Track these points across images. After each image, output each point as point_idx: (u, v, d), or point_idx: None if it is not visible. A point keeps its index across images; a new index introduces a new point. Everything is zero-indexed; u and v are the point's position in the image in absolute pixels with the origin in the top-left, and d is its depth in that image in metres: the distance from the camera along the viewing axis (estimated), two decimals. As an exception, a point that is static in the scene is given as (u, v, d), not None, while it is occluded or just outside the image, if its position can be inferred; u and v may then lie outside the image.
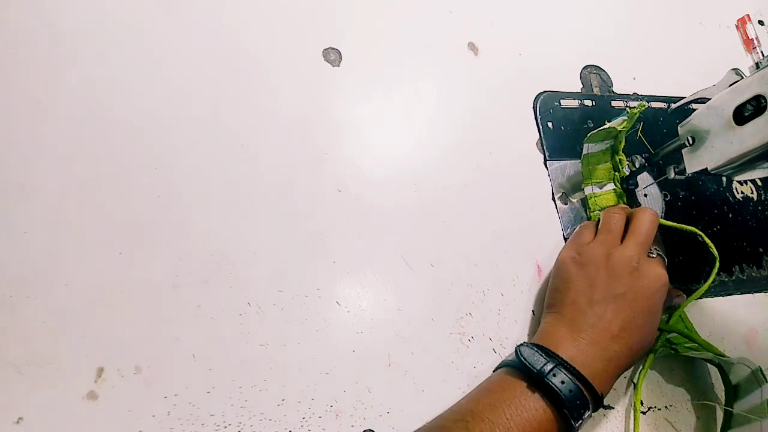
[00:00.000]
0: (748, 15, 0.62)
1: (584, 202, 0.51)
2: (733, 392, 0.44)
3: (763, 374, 0.42)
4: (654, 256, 0.43)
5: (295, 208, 0.43)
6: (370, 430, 0.37)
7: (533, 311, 0.45)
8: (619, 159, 0.51)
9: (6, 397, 0.33)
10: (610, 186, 0.52)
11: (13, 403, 0.33)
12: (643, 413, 0.44)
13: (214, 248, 0.40)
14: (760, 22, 0.69)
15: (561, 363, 0.35)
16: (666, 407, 0.45)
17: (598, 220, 0.46)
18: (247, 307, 0.39)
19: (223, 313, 0.38)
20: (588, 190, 0.52)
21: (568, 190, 0.52)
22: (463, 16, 0.55)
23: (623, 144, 0.50)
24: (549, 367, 0.35)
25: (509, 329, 0.44)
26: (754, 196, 0.59)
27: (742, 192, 0.59)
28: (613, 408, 0.44)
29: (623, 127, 0.48)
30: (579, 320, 0.39)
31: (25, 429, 0.32)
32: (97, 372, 0.34)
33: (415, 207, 0.46)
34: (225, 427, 0.35)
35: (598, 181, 0.52)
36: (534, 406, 0.34)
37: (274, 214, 0.42)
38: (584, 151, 0.50)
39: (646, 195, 0.52)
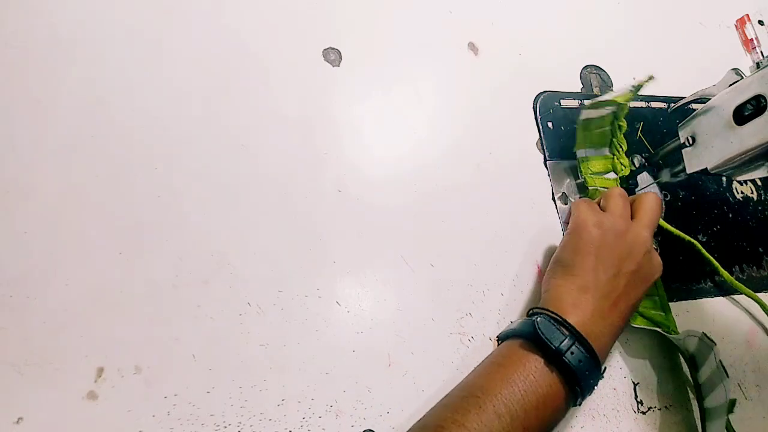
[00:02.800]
0: (747, 15, 0.62)
1: (575, 168, 0.51)
2: (693, 363, 0.45)
3: (709, 337, 0.43)
4: (655, 246, 0.43)
5: (295, 208, 0.43)
6: (370, 430, 0.37)
7: (533, 311, 0.45)
8: (619, 125, 0.50)
9: (6, 397, 0.33)
10: (605, 151, 0.51)
11: (13, 403, 0.33)
12: (643, 413, 0.44)
13: (214, 248, 0.40)
14: (760, 22, 0.69)
15: (578, 338, 0.35)
16: (666, 407, 0.45)
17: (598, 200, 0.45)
18: (247, 307, 0.39)
19: (223, 313, 0.38)
20: (581, 153, 0.51)
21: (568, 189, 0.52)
22: (463, 16, 0.55)
23: (626, 111, 0.49)
24: (567, 344, 0.35)
25: (509, 329, 0.44)
26: (754, 196, 0.59)
27: (742, 192, 0.59)
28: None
29: (626, 100, 0.47)
30: (592, 288, 0.38)
31: (25, 429, 0.32)
32: (97, 372, 0.34)
33: (415, 207, 0.46)
34: (225, 427, 0.35)
35: (591, 144, 0.51)
36: (549, 382, 0.34)
37: (274, 214, 0.42)
38: (582, 116, 0.50)
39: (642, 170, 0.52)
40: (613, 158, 0.51)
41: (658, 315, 0.47)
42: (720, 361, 0.42)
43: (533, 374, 0.34)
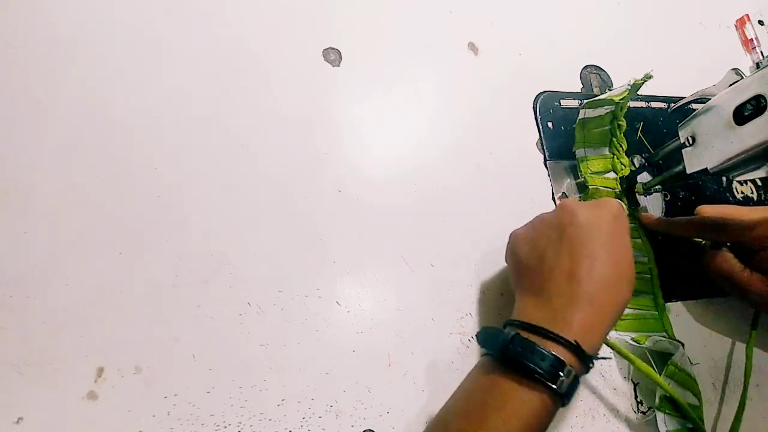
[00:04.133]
0: (747, 15, 0.62)
1: (575, 168, 0.51)
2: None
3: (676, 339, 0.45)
4: None
5: (295, 208, 0.43)
6: (370, 430, 0.37)
7: (533, 311, 0.45)
8: (619, 124, 0.50)
9: (6, 397, 0.33)
10: (605, 150, 0.51)
11: (13, 403, 0.33)
12: (643, 413, 0.44)
13: (214, 248, 0.40)
14: (760, 22, 0.69)
15: (556, 338, 0.32)
16: (666, 407, 0.45)
17: None
18: (247, 307, 0.39)
19: (223, 313, 0.38)
20: (580, 152, 0.51)
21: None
22: (463, 16, 0.55)
23: (625, 110, 0.49)
24: (542, 360, 0.32)
25: (509, 329, 0.44)
26: (754, 196, 0.59)
27: (742, 192, 0.59)
28: (610, 358, 0.45)
29: (622, 98, 0.47)
30: (539, 284, 0.36)
31: (25, 429, 0.32)
32: (97, 372, 0.34)
33: (416, 207, 0.46)
34: (225, 427, 0.35)
35: (590, 144, 0.51)
36: (531, 397, 0.32)
37: (274, 214, 0.42)
38: (580, 116, 0.50)
39: (645, 195, 0.52)
40: (612, 158, 0.51)
41: (650, 315, 0.47)
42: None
43: (518, 394, 0.32)
